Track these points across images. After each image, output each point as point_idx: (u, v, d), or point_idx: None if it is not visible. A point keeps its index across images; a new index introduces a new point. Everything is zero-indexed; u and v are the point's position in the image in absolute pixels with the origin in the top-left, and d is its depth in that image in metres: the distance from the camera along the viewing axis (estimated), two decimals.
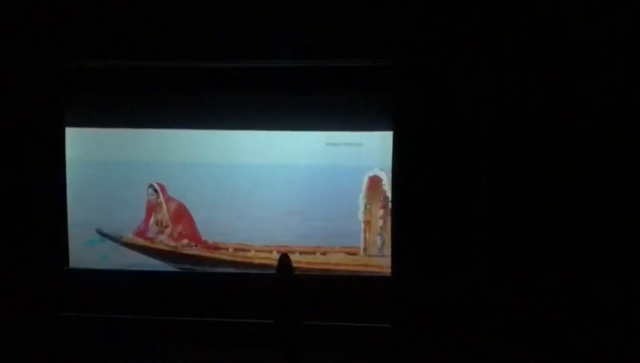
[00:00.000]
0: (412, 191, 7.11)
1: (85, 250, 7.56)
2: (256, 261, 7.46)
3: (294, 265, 6.26)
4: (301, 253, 7.36)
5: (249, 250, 7.48)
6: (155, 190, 7.55)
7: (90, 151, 7.56)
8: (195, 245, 7.54)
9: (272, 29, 6.95)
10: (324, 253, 7.37)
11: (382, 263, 7.29)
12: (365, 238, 7.34)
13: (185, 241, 7.55)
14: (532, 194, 6.88)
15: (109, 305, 7.34)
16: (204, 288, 7.44)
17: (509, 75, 6.83)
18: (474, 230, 7.00)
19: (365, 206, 7.32)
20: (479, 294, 6.90)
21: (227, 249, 7.50)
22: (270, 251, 7.38)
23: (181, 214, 7.55)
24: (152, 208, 7.57)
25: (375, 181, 7.32)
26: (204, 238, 7.53)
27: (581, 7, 6.60)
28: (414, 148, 7.09)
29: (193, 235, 7.53)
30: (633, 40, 6.59)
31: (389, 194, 7.27)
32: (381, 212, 7.31)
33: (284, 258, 6.27)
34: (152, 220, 7.58)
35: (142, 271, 7.53)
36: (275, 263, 6.30)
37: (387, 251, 7.30)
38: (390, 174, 7.23)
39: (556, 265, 6.82)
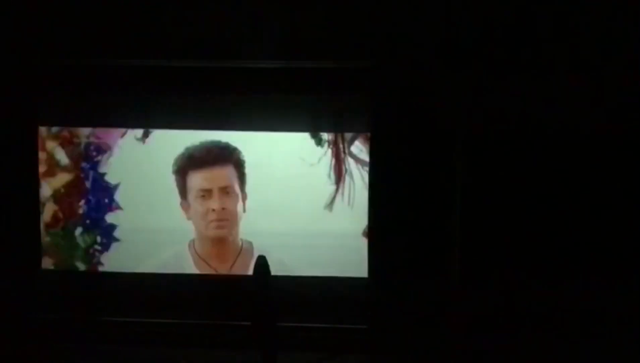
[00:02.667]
0: (387, 192, 7.14)
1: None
2: None
3: None
4: None
5: None
6: None
7: None
8: None
9: (249, 28, 6.91)
10: None
11: None
12: None
13: None
14: (508, 195, 6.95)
15: (83, 307, 7.27)
16: (179, 289, 7.39)
17: (487, 79, 6.88)
18: (450, 231, 7.05)
19: None
20: (454, 295, 6.96)
21: None
22: None
23: None
24: None
25: None
26: None
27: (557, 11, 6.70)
28: (390, 149, 7.12)
29: None
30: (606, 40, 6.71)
31: None
32: None
33: (261, 259, 6.27)
34: None
35: (116, 273, 7.44)
36: None
37: None
38: None
39: (532, 266, 6.91)
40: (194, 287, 7.42)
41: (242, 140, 7.36)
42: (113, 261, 7.45)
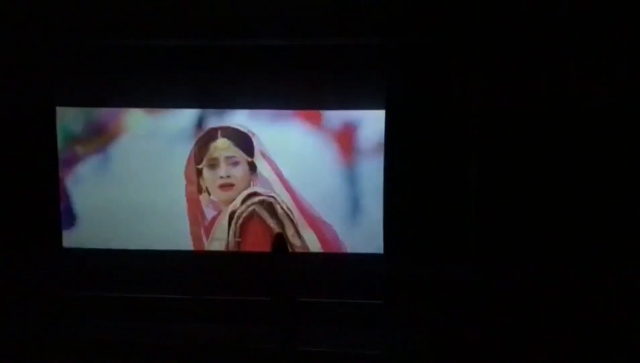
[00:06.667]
0: (403, 170, 7.20)
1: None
2: None
3: None
4: None
5: None
6: None
7: None
8: None
9: (265, 6, 6.84)
10: None
11: None
12: None
13: None
14: (522, 175, 6.97)
15: (103, 283, 7.39)
16: (201, 266, 7.57)
17: (501, 56, 6.86)
18: (464, 208, 7.12)
19: None
20: (468, 271, 7.04)
21: None
22: None
23: None
24: None
25: None
26: None
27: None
28: (405, 126, 7.16)
29: None
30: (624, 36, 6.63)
31: None
32: None
33: (279, 237, 6.36)
34: None
35: (136, 250, 7.62)
36: None
37: None
38: None
39: (544, 245, 6.95)
40: (214, 264, 7.58)
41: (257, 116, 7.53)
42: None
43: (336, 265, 7.37)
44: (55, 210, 7.60)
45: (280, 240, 6.29)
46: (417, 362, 6.43)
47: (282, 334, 6.09)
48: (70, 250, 7.68)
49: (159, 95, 7.50)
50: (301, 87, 7.37)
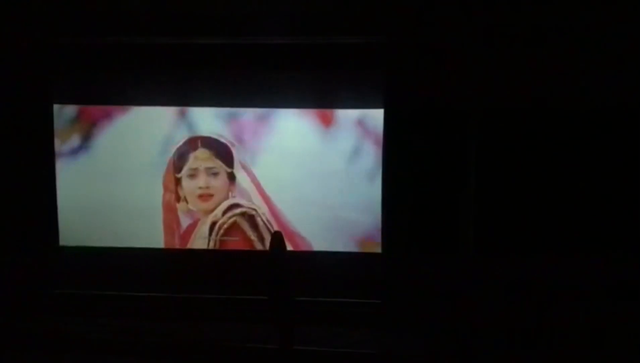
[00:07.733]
0: (401, 169, 7.22)
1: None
2: None
3: None
4: None
5: None
6: None
7: None
8: None
9: (263, 4, 6.90)
10: None
11: None
12: None
13: None
14: (520, 172, 7.10)
15: (99, 282, 7.30)
16: (197, 265, 7.39)
17: (500, 54, 7.02)
18: (463, 207, 7.17)
19: None
20: (467, 271, 7.07)
21: None
22: None
23: None
24: None
25: None
26: None
27: None
28: (403, 125, 7.20)
29: None
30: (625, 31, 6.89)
31: None
32: None
33: (277, 235, 6.25)
34: None
35: (133, 248, 7.44)
36: None
37: None
38: None
39: (543, 243, 7.07)
40: (211, 262, 7.41)
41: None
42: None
43: (335, 265, 7.26)
44: (52, 209, 7.42)
45: (278, 239, 6.19)
46: (416, 362, 6.32)
47: (280, 333, 5.89)
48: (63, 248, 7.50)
49: (156, 93, 7.41)
50: (298, 86, 7.35)
